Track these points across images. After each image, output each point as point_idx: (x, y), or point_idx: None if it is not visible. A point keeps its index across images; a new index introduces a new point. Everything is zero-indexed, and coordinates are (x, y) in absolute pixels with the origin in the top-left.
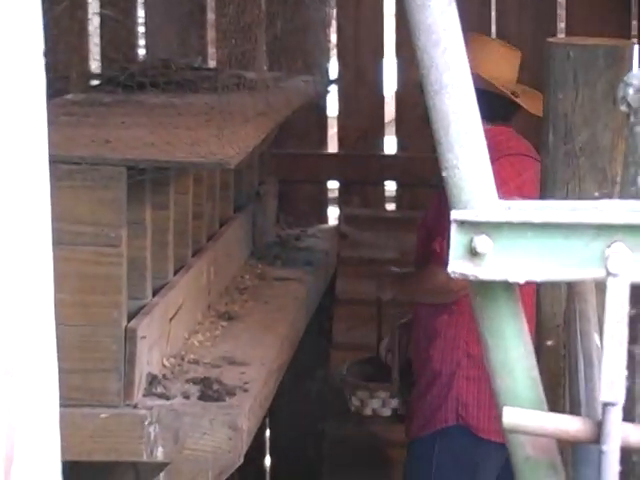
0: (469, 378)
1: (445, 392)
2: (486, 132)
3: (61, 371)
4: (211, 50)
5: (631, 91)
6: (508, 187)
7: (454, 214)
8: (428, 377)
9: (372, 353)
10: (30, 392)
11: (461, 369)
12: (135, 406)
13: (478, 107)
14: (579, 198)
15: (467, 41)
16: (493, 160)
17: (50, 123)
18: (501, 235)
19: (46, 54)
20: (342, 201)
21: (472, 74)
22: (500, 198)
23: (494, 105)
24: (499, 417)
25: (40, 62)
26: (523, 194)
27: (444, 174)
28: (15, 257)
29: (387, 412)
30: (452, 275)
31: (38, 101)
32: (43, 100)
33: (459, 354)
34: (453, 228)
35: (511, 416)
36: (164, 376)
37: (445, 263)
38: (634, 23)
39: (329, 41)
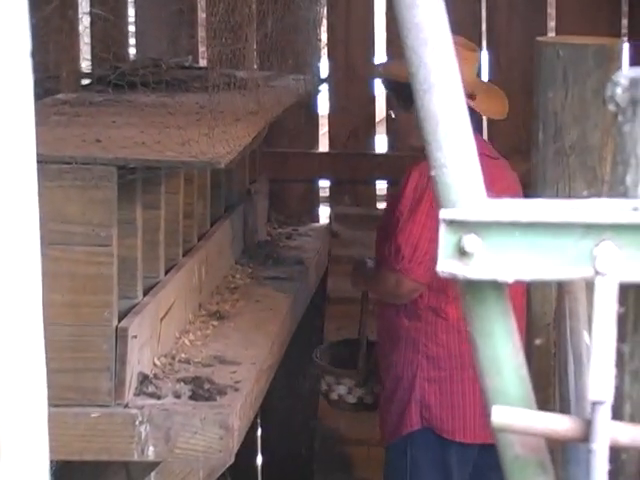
0: (429, 380)
1: (408, 396)
2: None
3: (52, 371)
4: (201, 49)
5: (619, 90)
6: None
7: (443, 213)
8: (392, 382)
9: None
10: (18, 392)
11: (421, 371)
12: (126, 405)
13: None
14: (569, 197)
15: None
16: None
17: (41, 123)
18: (490, 234)
19: (36, 54)
20: (333, 200)
21: None
22: None
23: None
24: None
25: (27, 61)
26: None
27: (433, 173)
28: (3, 257)
29: (352, 399)
30: (441, 275)
31: (26, 101)
32: (31, 100)
33: (419, 357)
34: (442, 227)
35: (500, 415)
36: (155, 375)
37: (392, 267)
38: (624, 22)
39: (320, 40)
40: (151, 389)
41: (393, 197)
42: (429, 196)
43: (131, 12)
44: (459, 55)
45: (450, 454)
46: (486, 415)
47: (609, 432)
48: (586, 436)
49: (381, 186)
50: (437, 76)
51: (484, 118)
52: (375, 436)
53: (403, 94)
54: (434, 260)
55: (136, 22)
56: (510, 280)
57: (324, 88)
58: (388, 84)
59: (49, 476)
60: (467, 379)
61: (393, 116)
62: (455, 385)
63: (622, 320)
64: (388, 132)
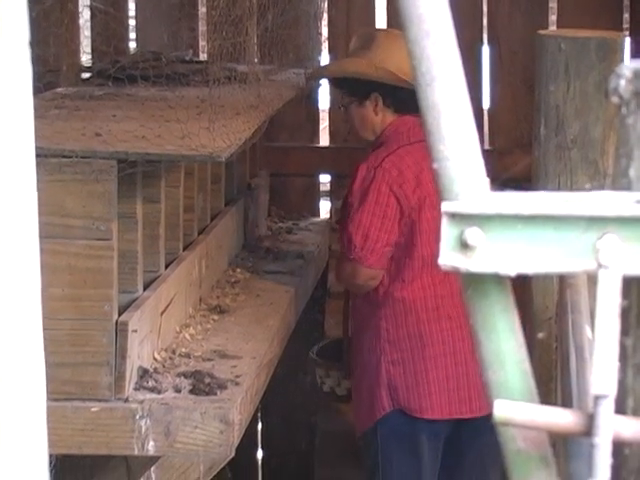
0: (393, 362)
1: (376, 381)
2: (389, 125)
3: (52, 365)
4: (202, 43)
5: (623, 82)
6: (405, 176)
7: (445, 206)
8: (360, 370)
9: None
10: (16, 386)
11: (385, 355)
12: (126, 400)
13: (398, 100)
14: (571, 190)
15: (375, 37)
16: (390, 152)
17: (41, 116)
18: (492, 227)
19: (36, 47)
20: (334, 194)
21: (380, 69)
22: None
23: (403, 98)
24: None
25: (26, 53)
26: (421, 181)
27: (435, 166)
28: (1, 250)
29: (342, 392)
30: (442, 268)
31: (24, 93)
32: (29, 92)
33: (381, 342)
34: (444, 220)
35: (502, 409)
36: (155, 370)
37: (346, 257)
38: (626, 16)
39: (320, 34)
40: (151, 383)
41: (347, 192)
42: (375, 186)
43: (131, 5)
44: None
45: (420, 432)
46: (451, 390)
47: (612, 426)
48: (589, 430)
49: None
50: (439, 68)
51: (485, 111)
52: None
53: (358, 89)
54: (386, 246)
55: (136, 15)
56: (512, 273)
57: (325, 82)
58: (339, 82)
59: (48, 470)
60: (428, 357)
61: (345, 111)
62: (417, 364)
63: (625, 313)
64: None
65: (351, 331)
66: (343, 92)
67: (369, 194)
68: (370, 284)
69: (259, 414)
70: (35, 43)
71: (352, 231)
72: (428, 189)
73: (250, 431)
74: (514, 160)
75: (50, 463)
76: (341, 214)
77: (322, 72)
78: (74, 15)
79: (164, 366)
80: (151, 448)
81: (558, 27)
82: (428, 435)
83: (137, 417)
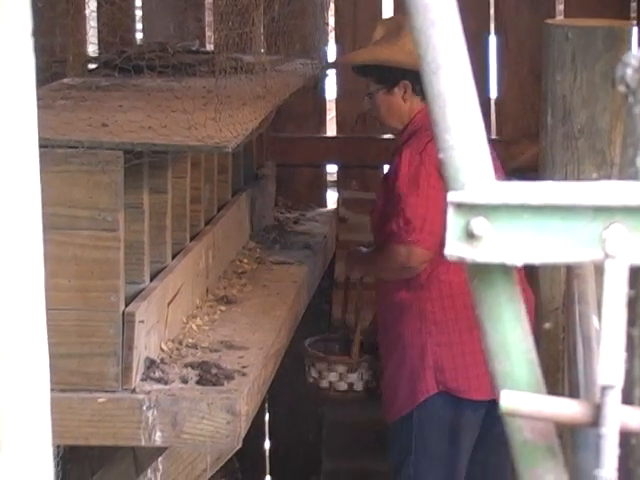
0: (440, 344)
1: (420, 363)
2: (419, 112)
3: (59, 356)
4: (208, 33)
5: (629, 71)
6: None
7: (451, 196)
8: (400, 353)
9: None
10: (20, 377)
11: (431, 337)
12: (133, 391)
13: (419, 88)
14: (578, 180)
15: (403, 24)
16: (432, 137)
17: (47, 107)
18: (498, 217)
19: (43, 38)
20: (341, 184)
21: (412, 56)
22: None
23: None
24: (477, 378)
25: (29, 44)
26: None
27: (441, 155)
28: (4, 241)
29: (343, 386)
30: (449, 258)
31: (27, 83)
32: (32, 82)
33: (427, 325)
34: (450, 210)
35: (509, 399)
36: (162, 360)
37: (403, 240)
38: (633, 5)
39: (327, 24)
40: (158, 374)
41: (386, 181)
42: (424, 170)
43: None
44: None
45: (462, 414)
46: None
47: (619, 416)
48: (596, 420)
49: None
50: (445, 57)
51: (492, 101)
52: (384, 421)
53: (386, 76)
54: (443, 228)
55: (143, 6)
56: (519, 263)
57: (331, 72)
58: (366, 69)
59: (52, 461)
60: (476, 339)
61: (369, 98)
62: (466, 346)
63: (632, 303)
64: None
65: (379, 318)
66: (370, 80)
67: (420, 178)
68: (422, 267)
69: (266, 405)
70: (41, 34)
71: (410, 215)
72: None
73: (257, 422)
74: (521, 150)
75: (57, 454)
76: (381, 202)
77: (352, 59)
78: (80, 5)
79: (171, 357)
80: (158, 439)
81: (565, 16)
82: (469, 417)
83: (144, 408)
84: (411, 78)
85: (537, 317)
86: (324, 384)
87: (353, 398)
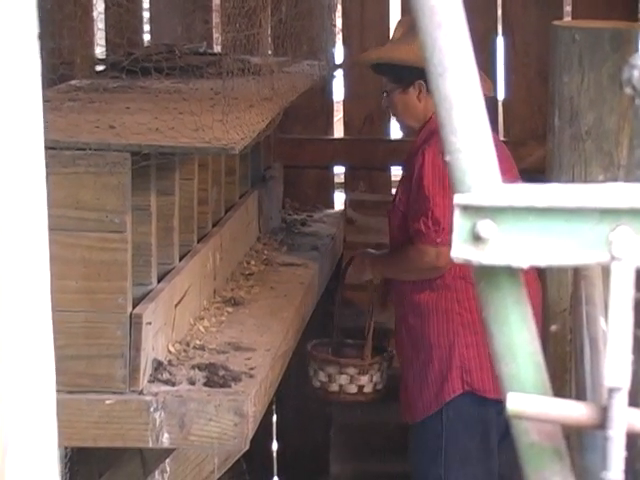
0: (468, 345)
1: (447, 364)
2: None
3: (66, 357)
4: (216, 35)
5: (637, 73)
6: None
7: (457, 198)
8: (426, 353)
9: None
10: (26, 379)
11: (459, 338)
12: (140, 392)
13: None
14: (585, 182)
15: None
16: None
17: (55, 109)
18: (505, 219)
19: (50, 40)
20: (348, 186)
21: (419, 57)
22: None
23: None
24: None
25: (35, 46)
26: None
27: (447, 158)
28: (11, 243)
29: (353, 389)
30: (455, 260)
31: (33, 86)
32: (38, 85)
33: (454, 325)
34: (456, 212)
35: (515, 402)
36: (170, 362)
37: (431, 241)
38: None
39: (334, 25)
40: (165, 376)
41: (405, 180)
42: None
43: None
44: None
45: (490, 413)
46: None
47: (626, 419)
48: (602, 423)
49: (396, 172)
50: (451, 60)
51: (499, 102)
52: (392, 423)
53: (401, 75)
54: None
55: (150, 8)
56: (525, 266)
57: (339, 74)
58: (382, 68)
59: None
60: None
61: (387, 97)
62: None
63: (639, 305)
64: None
65: (397, 320)
66: (387, 79)
67: (446, 179)
68: (447, 267)
69: (273, 406)
70: (49, 35)
71: (439, 215)
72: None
73: (265, 423)
74: (528, 151)
75: (65, 456)
76: (406, 198)
77: (368, 58)
78: (88, 7)
79: (178, 358)
80: (165, 440)
81: (572, 18)
82: (495, 417)
83: (151, 409)
84: (425, 78)
85: (544, 319)
86: (334, 387)
87: (363, 401)
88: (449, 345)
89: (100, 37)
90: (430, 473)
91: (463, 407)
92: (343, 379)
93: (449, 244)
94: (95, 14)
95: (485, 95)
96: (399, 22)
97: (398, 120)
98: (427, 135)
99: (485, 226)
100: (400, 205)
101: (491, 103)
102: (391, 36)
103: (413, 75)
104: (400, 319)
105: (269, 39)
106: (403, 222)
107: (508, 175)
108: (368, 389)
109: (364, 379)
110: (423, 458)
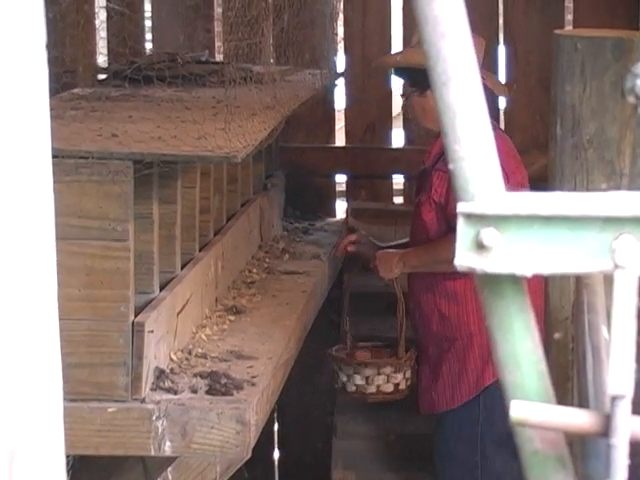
0: None
1: (487, 349)
2: None
3: (69, 365)
4: (218, 44)
5: (639, 82)
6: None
7: (461, 206)
8: (466, 340)
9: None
10: (33, 386)
11: None
12: (143, 400)
13: None
14: (587, 190)
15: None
16: None
17: (57, 117)
18: (508, 228)
19: (53, 48)
20: (349, 194)
21: None
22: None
23: None
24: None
25: (43, 55)
26: (521, 161)
27: (451, 166)
28: (18, 251)
29: (390, 388)
30: (459, 268)
31: (41, 95)
32: (46, 94)
33: None
34: (460, 221)
35: (519, 410)
36: (172, 370)
37: None
38: None
39: (336, 34)
40: (168, 384)
41: (441, 172)
42: None
43: (147, 7)
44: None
45: None
46: None
47: (629, 427)
48: (606, 431)
49: (398, 180)
50: (455, 69)
51: (501, 112)
52: (393, 431)
53: (418, 79)
54: None
55: (152, 17)
56: (529, 274)
57: (340, 82)
58: (402, 72)
59: (65, 471)
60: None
61: (405, 100)
62: None
63: None
64: (405, 124)
65: (420, 312)
66: (405, 82)
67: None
68: None
69: (275, 414)
70: (51, 44)
71: None
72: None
73: (267, 431)
74: (530, 160)
75: (67, 464)
76: (442, 190)
77: (386, 63)
78: (90, 16)
79: (180, 367)
80: (168, 449)
81: (574, 26)
82: None
83: (154, 418)
84: None
85: (546, 327)
86: (371, 389)
87: (398, 398)
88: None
89: (102, 46)
90: (466, 460)
91: (500, 393)
92: (380, 379)
93: None
94: (97, 23)
95: (503, 95)
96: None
97: (416, 123)
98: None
99: (489, 234)
100: (435, 196)
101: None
102: (412, 41)
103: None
104: (430, 310)
105: (271, 48)
106: (439, 213)
107: (518, 173)
108: (402, 386)
109: (399, 377)
110: (458, 445)
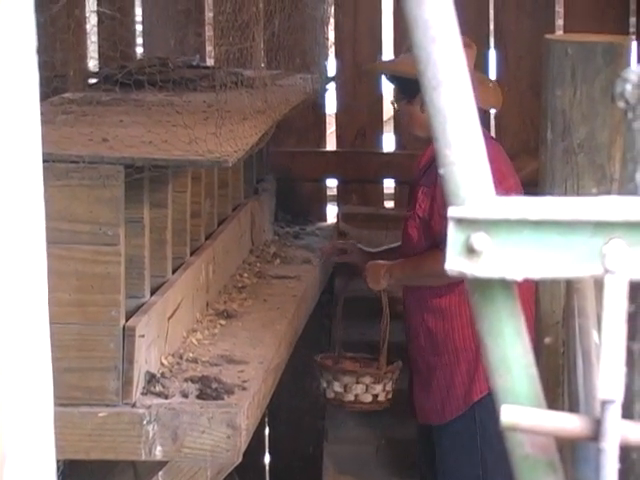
0: None
1: (474, 365)
2: None
3: (59, 370)
4: (209, 48)
5: (629, 87)
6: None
7: (451, 211)
8: (452, 356)
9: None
10: (23, 390)
11: None
12: (133, 405)
13: None
14: (578, 195)
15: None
16: None
17: (48, 122)
18: (499, 232)
19: (43, 53)
20: (341, 199)
21: None
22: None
23: None
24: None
25: (33, 60)
26: (513, 170)
27: (441, 171)
28: (9, 256)
29: (368, 398)
30: (449, 273)
31: (31, 99)
32: (36, 98)
33: None
34: (450, 225)
35: (509, 414)
36: (162, 375)
37: None
38: (632, 20)
39: (327, 39)
40: (158, 388)
41: (426, 187)
42: None
43: (138, 11)
44: None
45: None
46: None
47: (619, 431)
48: (596, 435)
49: (389, 185)
50: (445, 73)
51: (491, 116)
52: (384, 436)
53: (407, 87)
54: None
55: (143, 21)
56: (519, 278)
57: (331, 87)
58: (394, 78)
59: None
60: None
61: (395, 107)
62: None
63: (632, 318)
64: (396, 129)
65: (412, 325)
66: (395, 89)
67: None
68: None
69: (266, 419)
70: (42, 49)
71: None
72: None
73: (257, 436)
74: (520, 165)
75: (58, 468)
76: (427, 205)
77: (373, 69)
78: (81, 21)
79: (171, 371)
80: (158, 453)
81: (565, 31)
82: None
83: (144, 422)
84: None
85: (537, 332)
86: (349, 397)
87: (376, 408)
88: (476, 348)
89: (93, 50)
90: (468, 473)
91: (493, 406)
92: (359, 388)
93: None
94: (88, 27)
95: (492, 107)
96: None
97: (404, 130)
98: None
99: (479, 239)
100: (420, 211)
101: (483, 116)
102: (403, 48)
103: (417, 87)
104: (417, 324)
105: (262, 52)
106: (423, 228)
107: (510, 178)
108: (382, 398)
109: (378, 388)
110: (460, 458)
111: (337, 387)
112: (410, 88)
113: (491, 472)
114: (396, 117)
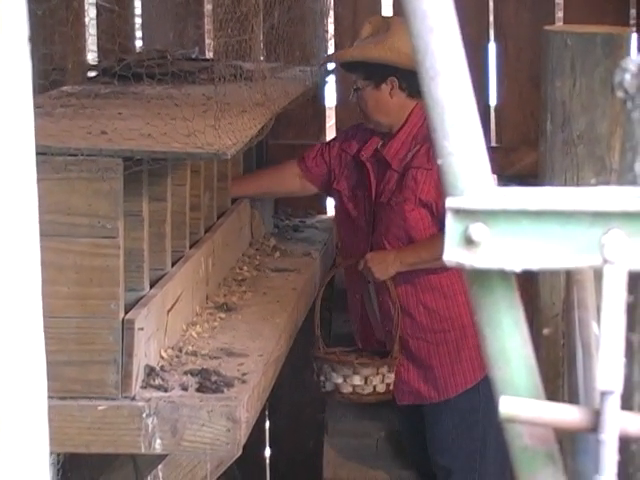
0: None
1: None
2: (415, 108)
3: (58, 363)
4: (208, 40)
5: (628, 77)
6: None
7: (449, 202)
8: (458, 332)
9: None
10: (17, 384)
11: None
12: (133, 398)
13: (412, 85)
14: (577, 186)
15: (390, 23)
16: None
17: (46, 115)
18: (497, 223)
19: (42, 45)
20: None
21: (402, 54)
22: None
23: (417, 82)
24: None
25: (26, 49)
26: None
27: (439, 162)
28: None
29: (383, 388)
30: (447, 264)
31: (24, 89)
32: (29, 88)
33: None
34: (448, 216)
35: (508, 405)
36: (162, 368)
37: None
38: (632, 11)
39: (327, 31)
40: (158, 381)
41: (425, 170)
42: None
43: (137, 3)
44: None
45: None
46: None
47: (618, 422)
48: (595, 426)
49: None
50: (443, 63)
51: (491, 108)
52: (385, 429)
53: (374, 73)
54: None
55: (142, 13)
56: (518, 269)
57: (331, 80)
58: (357, 66)
59: (49, 468)
60: None
61: (358, 92)
62: None
63: (631, 309)
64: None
65: (420, 300)
66: (358, 76)
67: None
68: None
69: (266, 412)
70: (41, 41)
71: None
72: None
73: (257, 429)
74: (520, 156)
75: (57, 462)
76: (430, 188)
77: (342, 57)
78: (79, 13)
79: (171, 364)
80: (158, 446)
81: (564, 23)
82: None
83: (144, 415)
84: (397, 75)
85: (537, 323)
86: (368, 390)
87: (390, 398)
88: None
89: (92, 43)
90: (467, 447)
91: None
92: (377, 379)
93: None
94: (87, 20)
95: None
96: (368, 22)
97: (367, 116)
98: (424, 137)
99: (477, 229)
100: (423, 195)
101: (483, 109)
102: (361, 35)
103: (386, 72)
104: (413, 303)
105: (261, 45)
106: (424, 210)
107: None
108: (381, 389)
109: (392, 377)
110: (460, 434)
111: (355, 380)
112: (378, 73)
113: (490, 446)
114: (357, 103)
